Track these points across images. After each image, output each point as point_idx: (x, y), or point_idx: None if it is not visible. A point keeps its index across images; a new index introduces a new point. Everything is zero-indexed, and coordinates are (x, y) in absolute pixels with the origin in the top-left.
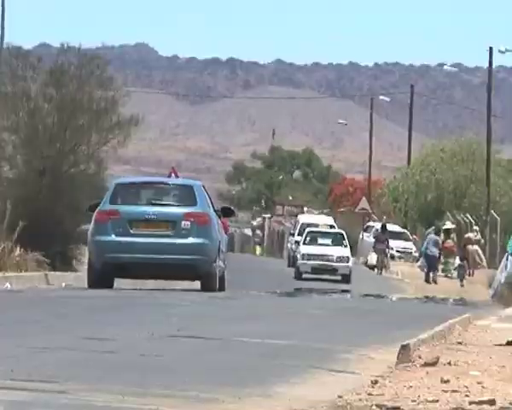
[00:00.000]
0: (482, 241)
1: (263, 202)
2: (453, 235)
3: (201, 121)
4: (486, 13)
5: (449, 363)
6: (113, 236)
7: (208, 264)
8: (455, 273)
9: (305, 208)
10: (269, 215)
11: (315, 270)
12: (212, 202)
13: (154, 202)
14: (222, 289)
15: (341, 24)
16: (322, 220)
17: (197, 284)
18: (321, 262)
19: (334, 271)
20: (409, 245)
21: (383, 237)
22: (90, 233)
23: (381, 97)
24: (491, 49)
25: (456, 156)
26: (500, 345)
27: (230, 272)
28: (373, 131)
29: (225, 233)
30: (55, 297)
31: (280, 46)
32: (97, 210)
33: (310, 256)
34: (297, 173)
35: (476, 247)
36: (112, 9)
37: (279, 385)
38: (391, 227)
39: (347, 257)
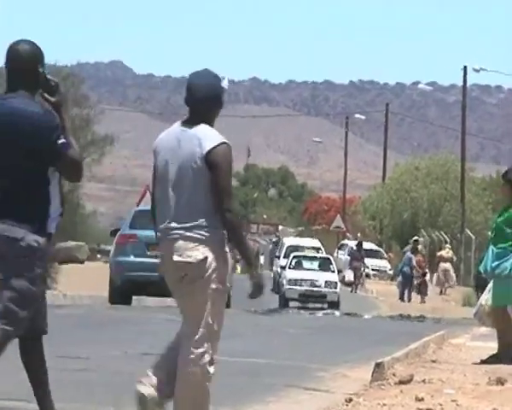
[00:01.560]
0: (455, 258)
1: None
2: (421, 247)
3: None
4: (461, 32)
5: (423, 381)
6: (132, 257)
7: None
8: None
9: (280, 227)
10: (244, 233)
11: (302, 296)
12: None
13: None
14: (228, 305)
15: (316, 42)
16: (308, 243)
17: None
18: (308, 288)
19: (322, 297)
20: (384, 263)
21: (359, 254)
22: (111, 254)
23: (357, 116)
24: (465, 67)
25: (431, 174)
26: (474, 363)
27: None
28: (348, 149)
29: None
30: None
31: (255, 64)
32: (118, 234)
33: (297, 282)
34: (272, 191)
35: (448, 264)
36: (86, 27)
37: (255, 403)
38: (366, 245)
39: (336, 282)
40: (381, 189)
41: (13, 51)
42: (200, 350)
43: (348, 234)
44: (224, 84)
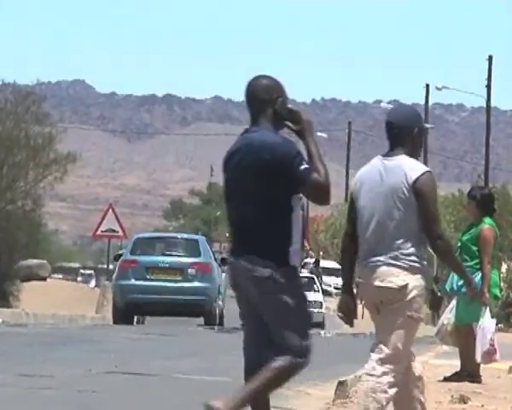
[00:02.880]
0: None
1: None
2: None
3: (138, 158)
4: (423, 50)
5: None
6: (133, 280)
7: (210, 303)
8: None
9: None
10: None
11: None
12: (213, 253)
13: (166, 252)
14: (221, 323)
15: (278, 60)
16: None
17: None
18: None
19: None
20: None
21: (317, 272)
22: (114, 278)
23: (319, 134)
24: (427, 86)
25: None
26: (437, 381)
27: None
28: None
29: None
30: None
31: (217, 82)
32: (120, 259)
33: None
34: None
35: None
36: (48, 46)
37: None
38: (328, 264)
39: (320, 302)
40: (344, 207)
41: (250, 86)
42: (383, 369)
43: (311, 252)
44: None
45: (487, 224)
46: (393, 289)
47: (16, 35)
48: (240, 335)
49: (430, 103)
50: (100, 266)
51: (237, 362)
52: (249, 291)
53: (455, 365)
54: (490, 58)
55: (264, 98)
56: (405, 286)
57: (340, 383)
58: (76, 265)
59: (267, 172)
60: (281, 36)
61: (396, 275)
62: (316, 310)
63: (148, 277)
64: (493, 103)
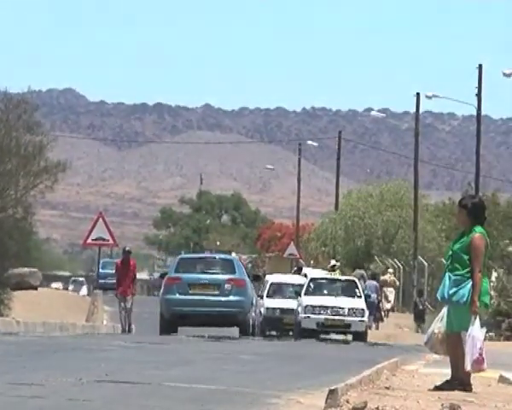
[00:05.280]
0: (398, 283)
1: (191, 246)
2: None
3: (129, 166)
4: (414, 59)
5: (377, 408)
6: (178, 294)
7: (244, 315)
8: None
9: (233, 253)
10: None
11: (322, 326)
12: (246, 270)
13: (205, 270)
14: (253, 333)
15: (269, 69)
16: (293, 280)
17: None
18: (329, 316)
19: (346, 327)
20: None
21: None
22: (161, 293)
23: (309, 142)
24: (418, 94)
25: (385, 201)
26: (428, 390)
27: (156, 316)
28: (301, 176)
29: (134, 272)
30: None
31: (208, 91)
32: (166, 277)
33: (315, 309)
34: (225, 218)
35: (391, 289)
36: (39, 54)
37: None
38: (318, 272)
39: (362, 310)
40: (335, 215)
41: None
42: None
43: (301, 261)
44: None
45: (478, 233)
46: None
47: (7, 43)
48: (230, 343)
49: (420, 112)
50: (91, 273)
51: (226, 371)
52: None
53: (445, 373)
54: (480, 67)
55: None
56: None
57: (331, 392)
58: (67, 273)
59: None
60: (271, 45)
61: None
62: (356, 318)
63: (190, 292)
64: (484, 112)
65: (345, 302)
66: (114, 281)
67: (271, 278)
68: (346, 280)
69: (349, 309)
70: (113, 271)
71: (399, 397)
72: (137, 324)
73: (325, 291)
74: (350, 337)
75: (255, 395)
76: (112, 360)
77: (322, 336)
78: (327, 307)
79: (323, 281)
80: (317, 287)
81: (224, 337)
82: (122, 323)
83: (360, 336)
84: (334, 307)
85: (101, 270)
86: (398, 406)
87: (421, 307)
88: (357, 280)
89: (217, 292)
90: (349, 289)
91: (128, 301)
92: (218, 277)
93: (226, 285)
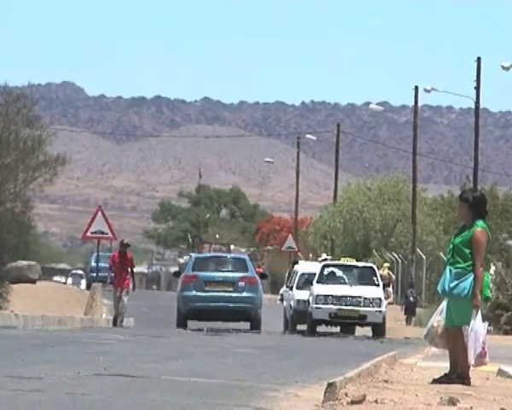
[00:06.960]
0: (393, 277)
1: (190, 239)
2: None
3: (128, 160)
4: (412, 52)
5: (375, 401)
6: (194, 291)
7: (255, 311)
8: None
9: (232, 246)
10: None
11: (335, 317)
12: (255, 269)
13: (220, 269)
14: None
15: (266, 63)
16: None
17: None
18: (343, 307)
19: (362, 318)
20: None
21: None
22: (178, 290)
23: (308, 136)
24: (416, 88)
25: (383, 195)
26: (426, 383)
27: (155, 310)
28: (300, 169)
29: (131, 265)
30: None
31: (207, 84)
32: (183, 274)
33: (327, 299)
34: (224, 212)
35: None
36: (38, 48)
37: None
38: (312, 266)
39: (379, 299)
40: (333, 208)
41: None
42: None
43: (300, 254)
44: None
45: (480, 227)
46: None
47: (6, 36)
48: (228, 336)
49: (419, 105)
50: (85, 266)
51: (225, 364)
52: None
53: (444, 367)
54: (478, 60)
55: None
56: None
57: (330, 385)
58: (67, 267)
59: None
60: (270, 38)
61: None
62: (373, 309)
63: (206, 288)
64: (482, 105)
65: (360, 291)
66: (106, 274)
67: (301, 268)
68: (363, 267)
69: (365, 299)
70: (107, 264)
71: (398, 390)
72: (136, 317)
73: (339, 279)
74: (368, 329)
75: (253, 388)
76: (110, 354)
77: (327, 330)
78: (340, 297)
79: (338, 268)
80: (330, 274)
81: (222, 331)
82: (116, 312)
83: (377, 328)
84: (349, 296)
85: (93, 263)
86: (397, 399)
87: (411, 299)
88: (375, 266)
89: (231, 289)
90: (366, 277)
91: (122, 292)
92: (232, 274)
93: (240, 283)
